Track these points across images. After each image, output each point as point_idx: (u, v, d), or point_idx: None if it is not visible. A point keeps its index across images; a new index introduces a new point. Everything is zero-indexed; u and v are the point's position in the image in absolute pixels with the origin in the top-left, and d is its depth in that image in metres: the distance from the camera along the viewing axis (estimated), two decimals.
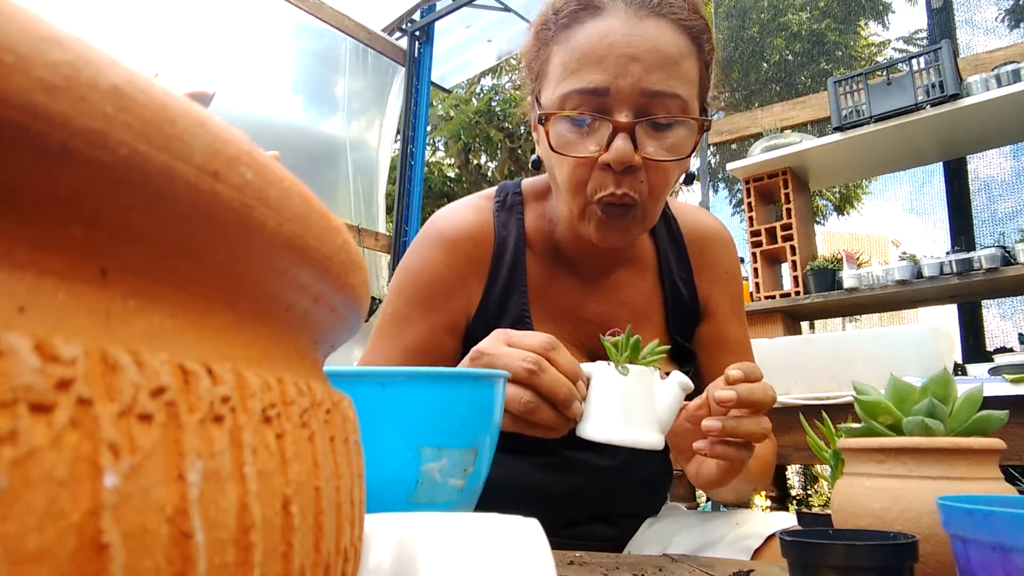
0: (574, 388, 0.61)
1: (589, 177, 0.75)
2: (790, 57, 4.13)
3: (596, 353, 0.87)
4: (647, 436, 0.59)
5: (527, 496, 0.86)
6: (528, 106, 0.87)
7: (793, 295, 2.67)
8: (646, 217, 0.79)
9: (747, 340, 0.98)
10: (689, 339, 0.95)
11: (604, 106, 0.73)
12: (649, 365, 0.62)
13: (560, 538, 0.87)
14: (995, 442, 0.54)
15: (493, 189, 0.94)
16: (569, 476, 0.87)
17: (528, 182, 0.94)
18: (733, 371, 0.64)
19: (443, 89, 4.47)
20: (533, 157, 0.89)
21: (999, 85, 2.32)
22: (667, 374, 0.65)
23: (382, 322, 0.88)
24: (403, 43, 3.82)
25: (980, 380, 1.52)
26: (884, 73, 2.52)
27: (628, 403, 0.60)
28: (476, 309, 0.86)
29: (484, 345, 0.63)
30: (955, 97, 2.35)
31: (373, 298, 3.04)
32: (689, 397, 0.82)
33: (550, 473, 0.87)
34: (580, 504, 0.88)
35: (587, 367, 0.63)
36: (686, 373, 0.86)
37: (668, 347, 0.67)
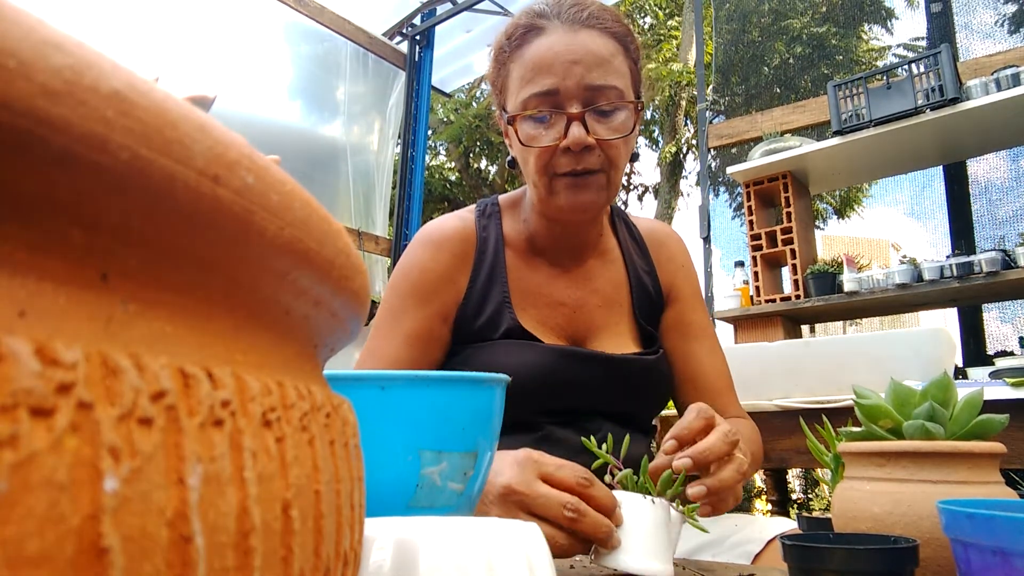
0: (612, 526, 0.61)
1: (554, 160, 0.90)
2: (791, 61, 4.13)
3: (570, 333, 0.99)
4: (669, 567, 0.61)
5: None
6: (497, 118, 1.02)
7: (793, 299, 2.67)
8: (610, 184, 0.92)
9: (710, 326, 1.09)
10: (653, 325, 1.06)
11: (557, 103, 0.88)
12: (669, 498, 0.64)
13: None
14: (995, 446, 0.54)
15: (474, 204, 1.08)
16: (554, 450, 0.92)
17: (503, 196, 1.09)
18: (668, 442, 0.66)
19: (443, 93, 4.47)
20: (508, 158, 1.03)
21: (999, 89, 2.32)
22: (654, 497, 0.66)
23: (380, 317, 0.98)
24: (403, 47, 3.83)
25: (980, 384, 1.52)
26: (884, 77, 2.53)
27: (656, 535, 0.62)
28: (463, 298, 0.97)
29: (516, 482, 0.63)
30: (955, 101, 2.35)
31: (373, 302, 3.04)
32: (663, 379, 1.00)
33: (536, 448, 0.91)
34: None
35: (618, 495, 0.63)
36: (653, 355, 0.99)
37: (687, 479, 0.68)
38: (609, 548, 0.61)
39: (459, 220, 1.02)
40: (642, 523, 0.61)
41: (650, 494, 0.63)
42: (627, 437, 0.70)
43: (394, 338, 0.95)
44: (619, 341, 1.00)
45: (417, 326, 0.95)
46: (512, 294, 0.98)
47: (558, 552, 0.61)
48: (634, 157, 0.99)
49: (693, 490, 0.64)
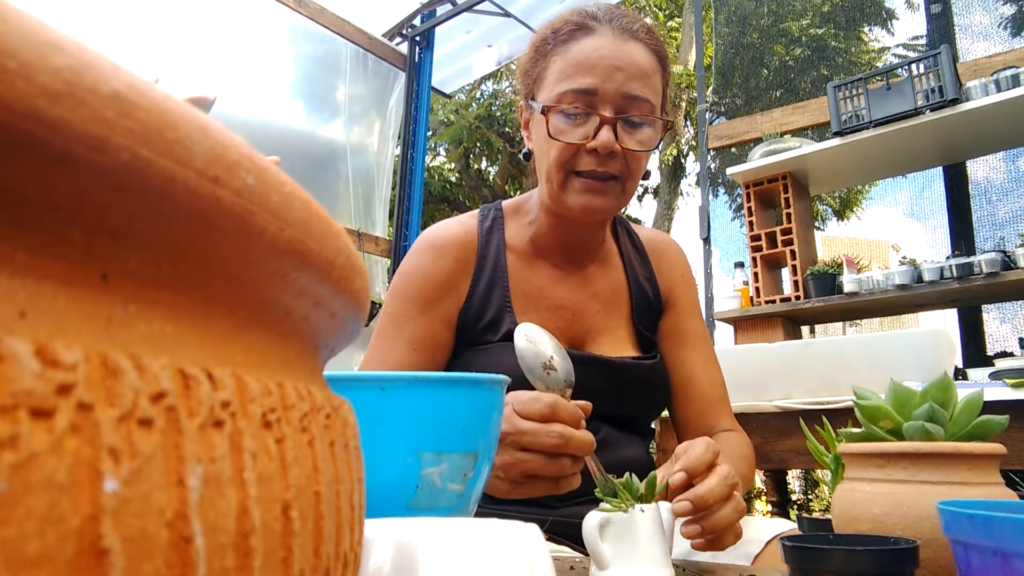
0: (592, 438, 0.66)
1: (575, 158, 0.91)
2: (790, 62, 4.13)
3: (570, 337, 0.99)
4: (669, 571, 0.61)
5: None
6: (521, 107, 1.02)
7: (793, 299, 2.67)
8: (623, 193, 0.94)
9: (707, 336, 1.10)
10: (652, 331, 1.06)
11: (592, 104, 0.90)
12: (655, 501, 0.64)
13: (552, 513, 0.91)
14: (995, 447, 0.54)
15: (477, 210, 1.08)
16: None
17: (507, 201, 1.09)
18: (676, 475, 0.65)
19: (443, 94, 4.47)
20: (524, 150, 1.03)
21: (998, 90, 2.32)
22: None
23: (383, 322, 0.97)
24: (404, 48, 3.83)
25: (980, 385, 1.52)
26: (883, 78, 2.53)
27: (650, 542, 0.62)
28: (464, 302, 0.98)
29: (504, 428, 0.66)
30: (955, 102, 2.35)
31: (373, 303, 3.04)
32: (661, 383, 1.01)
33: None
34: None
35: (606, 513, 0.63)
36: (651, 359, 1.00)
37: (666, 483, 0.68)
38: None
39: (461, 225, 1.02)
40: (634, 534, 0.61)
41: (639, 502, 0.63)
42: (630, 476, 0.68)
43: (398, 343, 0.94)
44: (617, 345, 1.01)
45: (421, 331, 0.95)
46: (513, 298, 0.98)
47: (563, 474, 0.65)
48: (646, 175, 1.00)
49: (678, 505, 0.63)
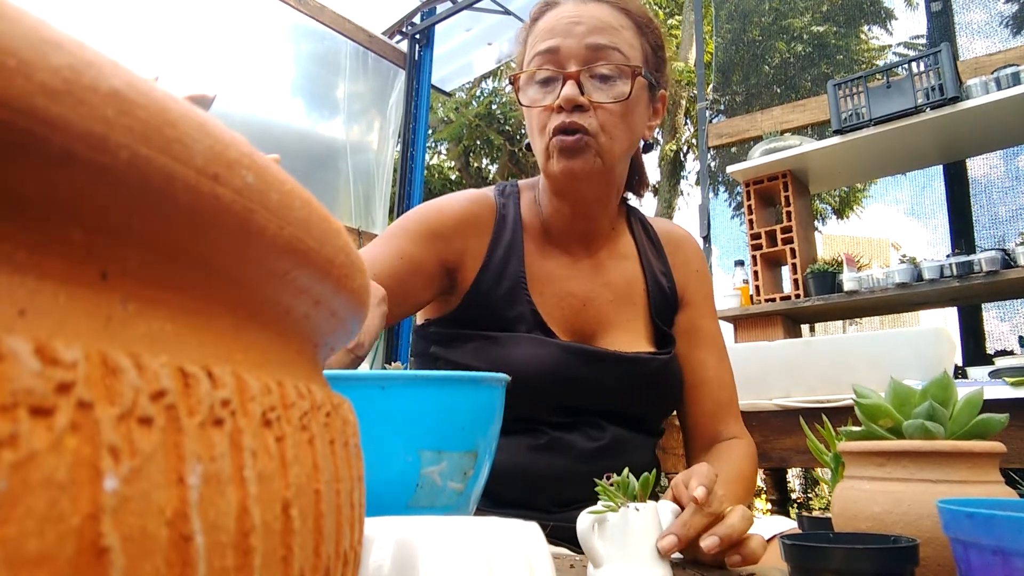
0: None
1: (551, 121, 0.90)
2: (791, 60, 4.13)
3: (579, 327, 0.97)
4: (666, 570, 0.60)
5: (519, 477, 0.89)
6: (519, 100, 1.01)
7: (793, 298, 2.67)
8: (601, 149, 0.91)
9: (720, 334, 1.08)
10: (669, 325, 1.04)
11: (557, 63, 0.91)
12: (648, 500, 0.63)
13: (553, 519, 0.88)
14: (995, 445, 0.54)
15: (493, 185, 1.06)
16: (557, 457, 0.90)
17: (522, 181, 1.07)
18: (710, 540, 0.62)
19: (443, 92, 4.47)
20: (527, 142, 1.02)
21: (999, 88, 2.32)
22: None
23: (392, 227, 0.96)
24: (403, 46, 3.82)
25: (980, 383, 1.52)
26: (883, 76, 2.53)
27: (647, 541, 0.61)
28: (480, 268, 0.95)
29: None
30: (955, 100, 2.35)
31: None
32: (675, 381, 0.98)
33: (539, 454, 0.90)
34: (569, 485, 0.90)
35: (599, 514, 0.63)
36: (666, 355, 0.97)
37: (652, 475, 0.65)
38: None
39: (480, 194, 1.01)
40: (629, 532, 0.61)
41: (635, 501, 0.63)
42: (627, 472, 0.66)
43: (389, 250, 0.91)
44: (632, 339, 0.98)
45: (417, 253, 0.91)
46: (527, 274, 0.96)
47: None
48: (647, 147, 0.98)
49: (706, 542, 0.61)
